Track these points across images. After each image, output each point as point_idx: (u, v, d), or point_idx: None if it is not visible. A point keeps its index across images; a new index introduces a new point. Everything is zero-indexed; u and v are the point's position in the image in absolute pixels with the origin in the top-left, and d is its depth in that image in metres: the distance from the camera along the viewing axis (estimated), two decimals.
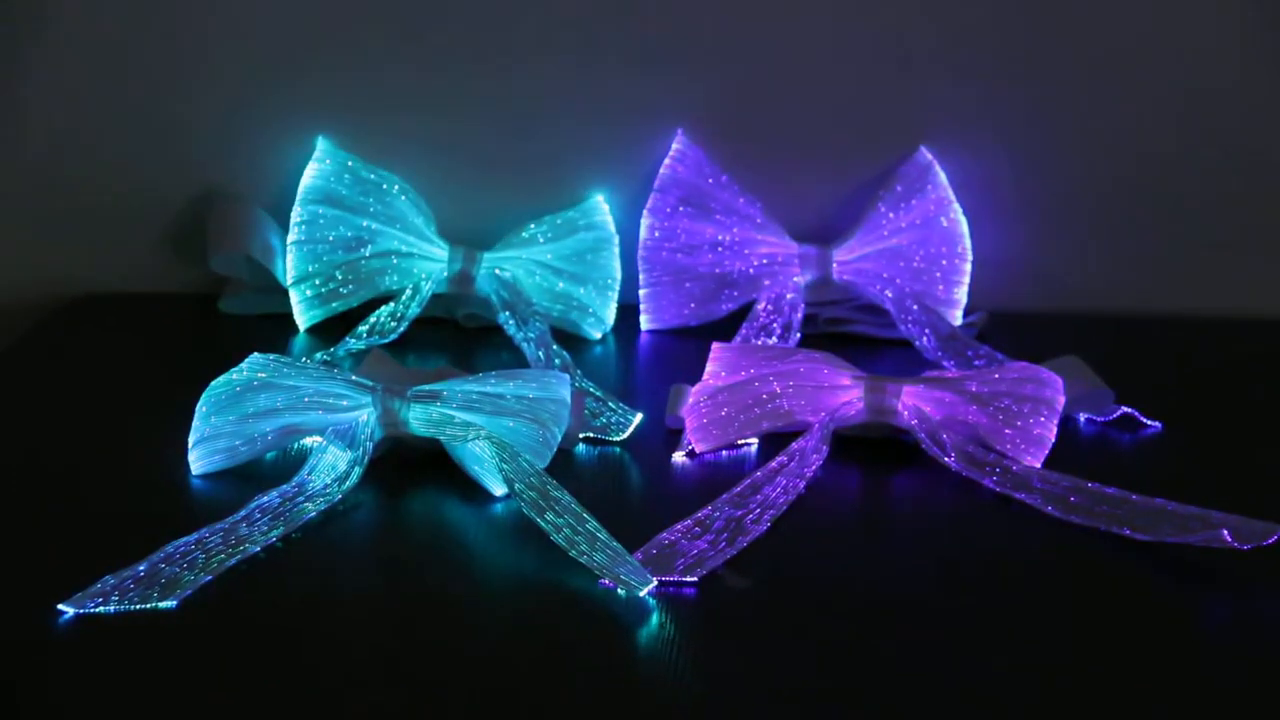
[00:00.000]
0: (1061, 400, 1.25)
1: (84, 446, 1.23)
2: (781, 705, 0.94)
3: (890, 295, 1.47)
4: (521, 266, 1.48)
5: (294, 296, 1.47)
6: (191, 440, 1.18)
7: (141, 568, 1.03)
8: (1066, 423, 1.29)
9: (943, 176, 1.51)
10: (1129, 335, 1.55)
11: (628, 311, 1.52)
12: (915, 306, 1.45)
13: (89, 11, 1.47)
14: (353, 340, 1.41)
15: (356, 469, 1.15)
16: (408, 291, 1.45)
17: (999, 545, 1.14)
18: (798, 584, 1.08)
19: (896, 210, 1.50)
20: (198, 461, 1.18)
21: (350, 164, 1.47)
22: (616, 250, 1.50)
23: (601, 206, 1.51)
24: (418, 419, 1.17)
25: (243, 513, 1.10)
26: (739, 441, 1.27)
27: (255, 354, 1.18)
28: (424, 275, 1.46)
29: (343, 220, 1.46)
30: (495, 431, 1.15)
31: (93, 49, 1.48)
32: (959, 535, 1.16)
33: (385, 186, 1.47)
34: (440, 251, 1.47)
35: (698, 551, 1.08)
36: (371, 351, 1.32)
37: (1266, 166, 1.56)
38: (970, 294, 1.52)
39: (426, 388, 1.18)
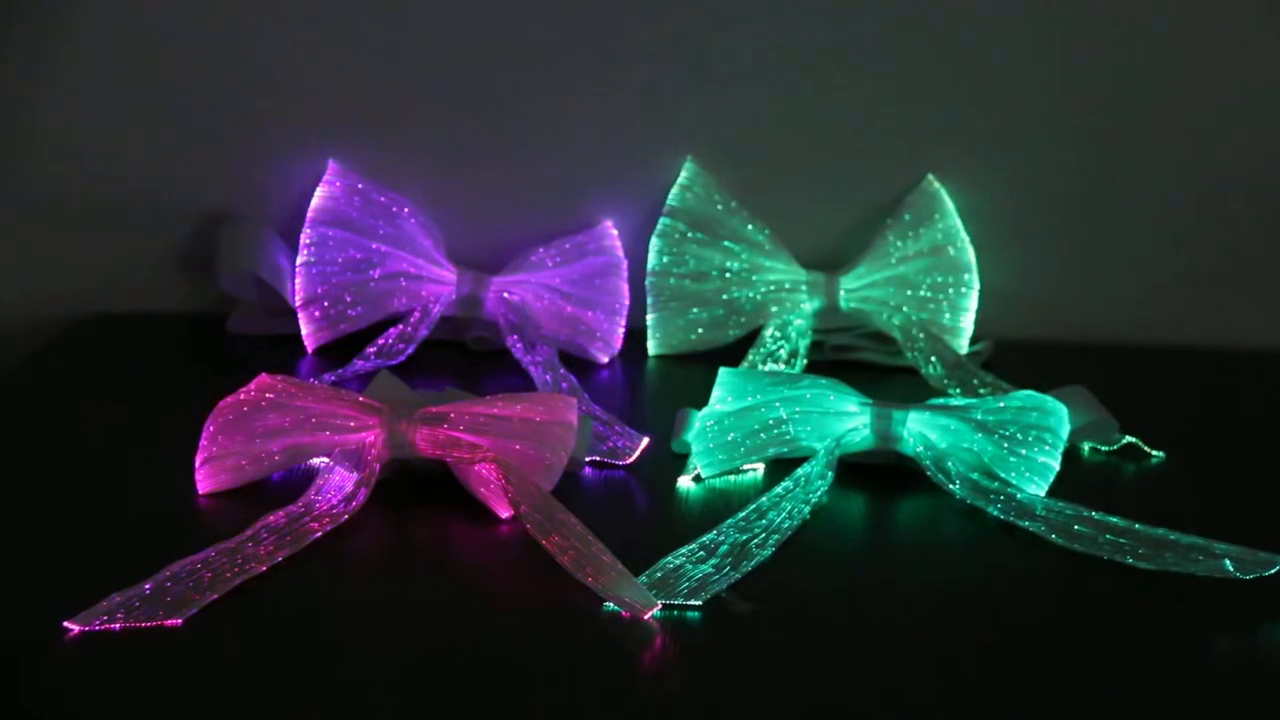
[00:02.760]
0: (1066, 429, 1.25)
1: (92, 465, 1.23)
2: None
3: (897, 323, 1.48)
4: (530, 290, 1.48)
5: (302, 318, 1.47)
6: (198, 460, 1.18)
7: (147, 586, 1.03)
8: (1071, 452, 1.29)
9: (950, 205, 1.51)
10: (1134, 365, 1.55)
11: (635, 336, 1.52)
12: (921, 334, 1.46)
13: (99, 33, 1.48)
14: (360, 362, 1.41)
15: (363, 490, 1.15)
16: (416, 314, 1.45)
17: (1003, 573, 1.14)
18: (802, 609, 1.08)
19: (904, 238, 1.50)
20: (204, 481, 1.18)
21: (360, 186, 1.48)
22: (625, 275, 1.50)
23: (610, 232, 1.51)
24: (425, 440, 1.17)
25: (249, 532, 1.11)
26: (745, 467, 1.27)
27: (263, 374, 1.19)
28: (432, 298, 1.47)
29: (352, 242, 1.46)
30: (502, 454, 1.15)
31: (102, 72, 1.49)
32: (963, 563, 1.16)
33: (395, 209, 1.47)
34: (449, 274, 1.48)
35: (702, 575, 1.09)
36: (379, 373, 1.32)
37: (1273, 198, 1.56)
38: (976, 322, 1.52)
39: (434, 409, 1.18)
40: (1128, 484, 1.29)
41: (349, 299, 1.46)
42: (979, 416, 1.24)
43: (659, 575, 1.08)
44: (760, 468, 1.28)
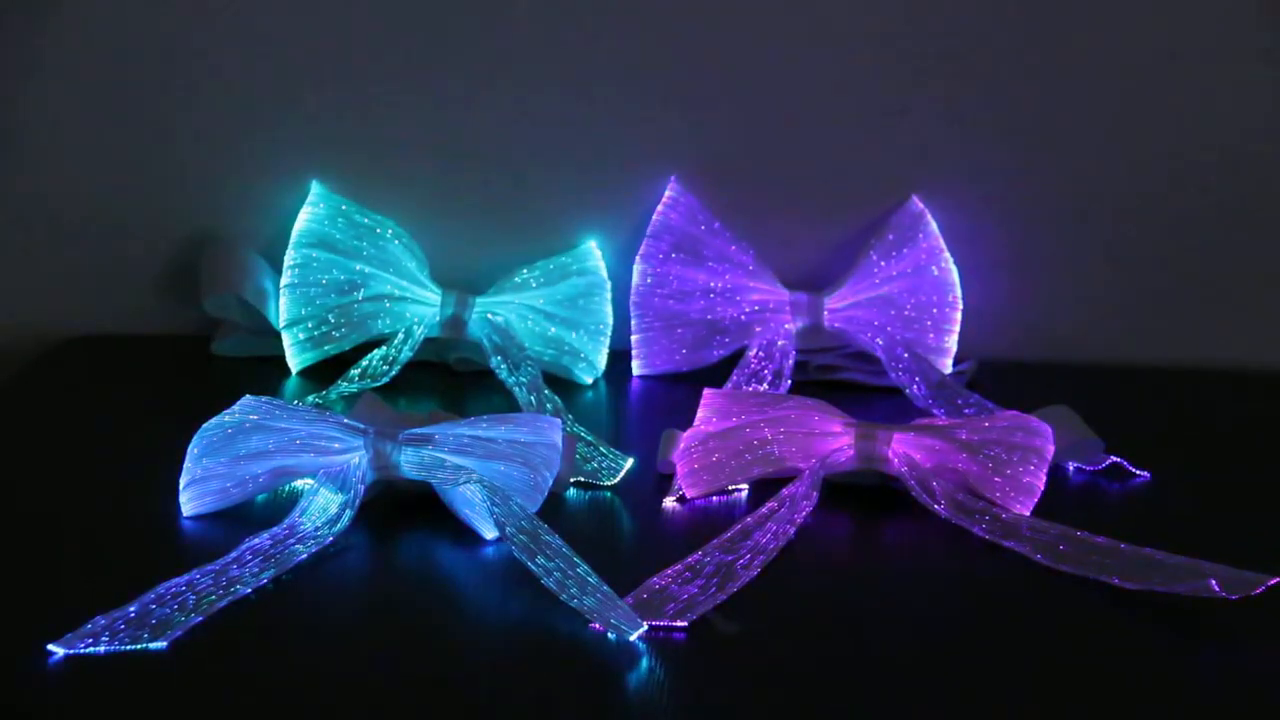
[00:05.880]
0: (1051, 449, 1.25)
1: (76, 487, 1.23)
2: None
3: (881, 343, 1.48)
4: (514, 311, 1.48)
5: (286, 339, 1.47)
6: (183, 482, 1.18)
7: (132, 609, 1.03)
8: (1056, 471, 1.29)
9: (934, 225, 1.51)
10: (1118, 385, 1.55)
11: (619, 357, 1.52)
12: (906, 354, 1.46)
13: (83, 55, 1.48)
14: (345, 383, 1.41)
15: (348, 512, 1.15)
16: (400, 335, 1.45)
17: (988, 593, 1.14)
18: (787, 630, 1.08)
19: (888, 258, 1.50)
20: (189, 503, 1.18)
21: (344, 208, 1.47)
22: (609, 295, 1.50)
23: (594, 252, 1.51)
24: (409, 462, 1.17)
25: (234, 554, 1.10)
26: (730, 487, 1.27)
27: (247, 396, 1.18)
28: (416, 319, 1.47)
29: (336, 264, 1.46)
30: (486, 475, 1.15)
31: (86, 92, 1.49)
32: (948, 583, 1.16)
33: (379, 231, 1.47)
34: (433, 296, 1.47)
35: (688, 596, 1.08)
36: (363, 395, 1.32)
37: (1254, 220, 1.56)
38: (960, 342, 1.52)
39: (418, 431, 1.18)
40: (1113, 504, 1.29)
41: (333, 320, 1.46)
42: (964, 436, 1.24)
43: (645, 597, 1.08)
44: (745, 488, 1.28)
